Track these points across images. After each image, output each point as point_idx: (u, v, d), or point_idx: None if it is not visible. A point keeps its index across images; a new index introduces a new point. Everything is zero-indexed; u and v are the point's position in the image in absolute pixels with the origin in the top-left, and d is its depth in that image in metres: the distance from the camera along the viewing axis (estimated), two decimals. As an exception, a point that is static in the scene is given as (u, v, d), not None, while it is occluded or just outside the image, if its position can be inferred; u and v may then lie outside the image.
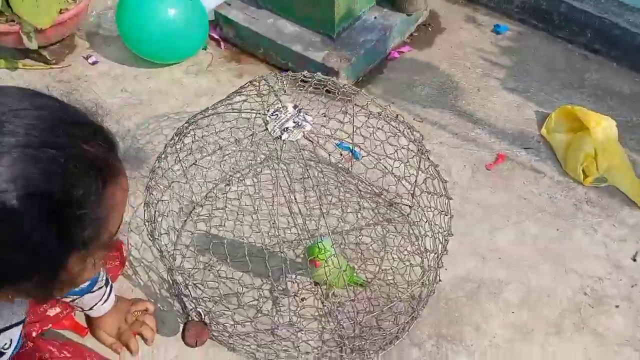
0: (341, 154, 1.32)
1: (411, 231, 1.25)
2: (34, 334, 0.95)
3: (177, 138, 0.98)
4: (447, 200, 1.02)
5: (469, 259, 1.21)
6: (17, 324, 0.69)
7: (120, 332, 1.04)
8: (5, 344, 0.68)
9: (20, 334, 0.70)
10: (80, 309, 0.99)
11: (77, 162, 0.50)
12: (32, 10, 1.41)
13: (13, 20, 1.44)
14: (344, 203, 1.28)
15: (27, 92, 0.55)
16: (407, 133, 1.04)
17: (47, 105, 0.53)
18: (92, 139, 0.53)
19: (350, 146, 1.31)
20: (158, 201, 0.96)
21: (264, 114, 0.87)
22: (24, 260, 0.49)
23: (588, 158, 1.33)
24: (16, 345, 0.70)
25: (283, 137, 0.84)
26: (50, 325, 1.03)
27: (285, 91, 1.06)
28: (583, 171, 1.33)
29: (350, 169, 1.35)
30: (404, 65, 1.64)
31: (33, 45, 1.46)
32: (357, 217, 1.26)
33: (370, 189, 1.33)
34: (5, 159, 0.46)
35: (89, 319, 1.04)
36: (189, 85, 1.57)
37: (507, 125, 1.48)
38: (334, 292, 1.12)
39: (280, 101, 0.89)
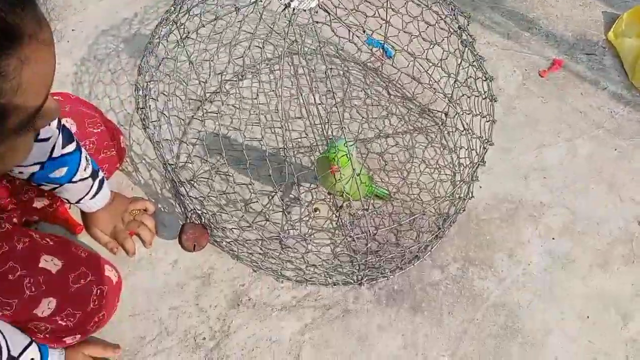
0: (371, 51, 1.14)
1: (444, 142, 1.10)
2: (14, 220, 0.87)
3: (174, 14, 0.82)
4: (490, 103, 0.86)
5: (509, 177, 1.06)
6: None
7: (116, 230, 0.96)
8: None
9: None
10: (67, 202, 0.90)
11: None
12: None
13: None
14: (369, 107, 1.13)
15: None
16: (449, 20, 0.86)
17: None
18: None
19: (382, 42, 1.14)
20: (148, 82, 0.83)
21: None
22: None
23: (663, 68, 1.13)
24: None
25: (292, 5, 0.68)
26: (36, 217, 0.95)
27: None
28: (655, 84, 1.14)
29: (380, 69, 1.19)
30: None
31: None
32: (383, 123, 1.11)
33: (401, 92, 1.17)
34: None
35: (83, 215, 0.95)
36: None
37: (568, 26, 1.26)
38: (350, 204, 1.00)
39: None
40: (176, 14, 0.80)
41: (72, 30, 1.26)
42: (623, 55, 1.20)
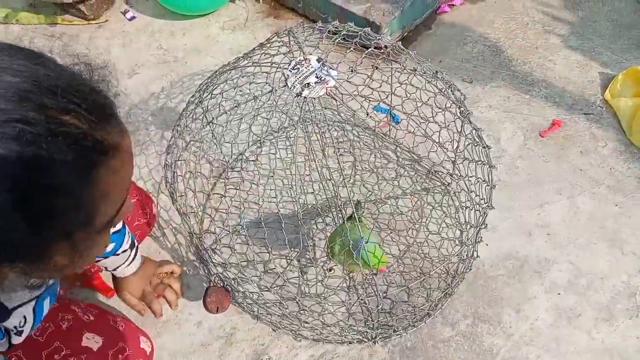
0: (370, 116, 1.23)
1: (451, 202, 1.16)
2: (61, 292, 0.95)
3: (199, 95, 0.92)
4: (488, 168, 0.93)
5: (514, 235, 1.12)
6: (30, 301, 0.67)
7: (144, 293, 1.03)
8: (20, 321, 0.66)
9: (38, 312, 0.69)
10: (105, 269, 0.98)
11: (51, 139, 0.41)
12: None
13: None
14: (379, 170, 1.21)
15: (12, 51, 0.46)
16: (448, 93, 0.94)
17: (26, 69, 0.44)
18: (75, 110, 0.44)
19: (389, 109, 1.23)
20: (176, 161, 0.92)
21: (285, 68, 0.80)
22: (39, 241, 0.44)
23: (658, 126, 1.19)
24: (34, 321, 0.68)
25: (304, 94, 0.77)
26: (78, 283, 1.03)
27: (315, 44, 0.98)
28: (651, 141, 1.19)
29: (388, 133, 1.27)
30: (455, 20, 1.51)
31: (68, -1, 1.43)
32: (393, 185, 1.19)
33: (409, 155, 1.24)
34: None
35: (115, 279, 1.03)
36: (225, 42, 1.51)
37: (566, 87, 1.33)
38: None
39: (303, 53, 0.82)
40: (200, 103, 0.90)
41: (106, 105, 1.38)
42: (620, 114, 1.26)
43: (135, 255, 0.99)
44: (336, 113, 1.30)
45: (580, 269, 1.06)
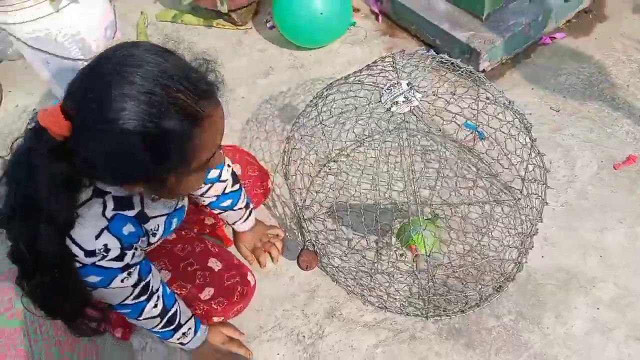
0: (460, 128, 1.42)
1: (517, 215, 1.33)
2: (195, 230, 1.28)
3: (315, 100, 1.19)
4: (544, 187, 1.09)
5: (571, 252, 1.26)
6: (162, 215, 0.98)
7: (255, 247, 1.34)
8: (155, 227, 0.98)
9: (167, 225, 1.00)
10: (226, 223, 1.30)
11: (172, 107, 0.71)
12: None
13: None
14: (459, 178, 1.40)
15: (151, 48, 0.76)
16: (518, 122, 1.11)
17: (160, 60, 0.73)
18: (188, 90, 0.73)
19: (476, 126, 1.41)
20: (292, 149, 1.20)
21: (382, 88, 1.04)
22: (132, 170, 0.76)
23: None
24: (163, 232, 1.00)
25: (392, 109, 0.99)
26: (208, 231, 1.36)
27: (418, 68, 1.20)
28: None
29: (473, 147, 1.45)
30: (554, 52, 1.63)
31: (224, 9, 1.79)
32: (469, 193, 1.37)
33: (488, 169, 1.42)
34: (123, 98, 0.70)
35: (234, 233, 1.35)
36: (344, 55, 1.78)
37: (650, 126, 1.42)
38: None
39: (398, 77, 1.04)
40: (315, 106, 1.17)
41: (242, 97, 1.71)
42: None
43: (249, 215, 1.29)
44: (428, 126, 1.51)
45: (624, 290, 1.18)
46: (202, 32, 2.00)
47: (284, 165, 1.23)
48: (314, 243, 1.22)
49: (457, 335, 1.18)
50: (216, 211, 1.25)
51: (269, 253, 1.34)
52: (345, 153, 1.50)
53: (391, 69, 1.08)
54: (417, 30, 1.74)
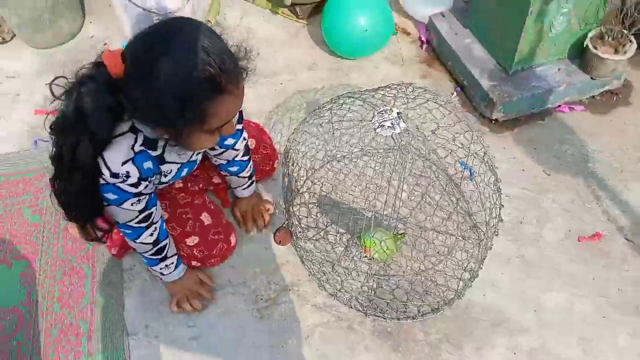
0: (455, 169, 1.56)
1: (477, 253, 1.47)
2: (200, 184, 1.49)
3: (317, 110, 1.36)
4: (493, 234, 1.23)
5: (511, 299, 1.39)
6: (176, 163, 1.19)
7: (246, 213, 1.54)
8: (169, 170, 1.19)
9: (178, 171, 1.22)
10: (229, 186, 1.51)
11: (201, 77, 0.91)
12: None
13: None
14: (438, 207, 1.55)
15: (201, 27, 0.95)
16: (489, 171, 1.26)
17: (204, 38, 0.92)
18: (218, 67, 0.92)
19: (471, 167, 1.56)
20: (299, 142, 1.38)
21: (376, 109, 1.20)
22: (160, 117, 0.97)
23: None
24: (174, 176, 1.22)
25: (377, 130, 1.16)
26: (212, 188, 1.56)
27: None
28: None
29: (460, 184, 1.59)
30: (567, 121, 1.74)
31: (287, 1, 1.97)
32: (442, 222, 1.52)
33: (466, 207, 1.56)
34: (167, 61, 0.91)
35: (233, 197, 1.55)
36: (382, 71, 1.94)
37: (625, 211, 1.52)
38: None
39: (393, 104, 1.21)
40: (329, 110, 1.34)
41: (281, 84, 1.91)
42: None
43: (250, 185, 1.50)
44: (428, 153, 1.66)
45: (544, 347, 1.31)
46: (267, 16, 2.20)
47: (288, 152, 1.41)
48: (292, 224, 1.40)
49: (388, 337, 1.34)
50: (223, 173, 1.46)
51: (256, 222, 1.54)
52: (350, 158, 1.68)
53: (392, 96, 1.25)
54: (451, 67, 1.88)
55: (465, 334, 1.34)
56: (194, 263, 1.42)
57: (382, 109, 1.20)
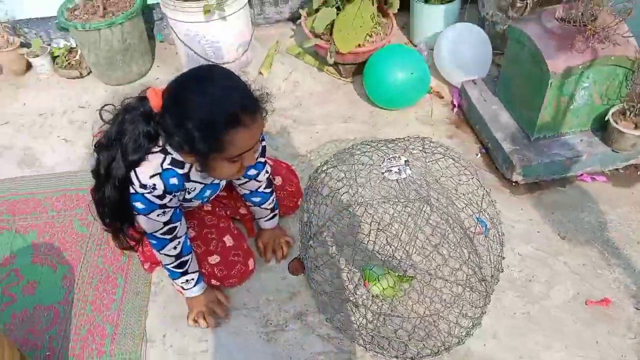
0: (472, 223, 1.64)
1: (482, 306, 1.51)
2: (228, 212, 1.64)
3: (332, 159, 1.49)
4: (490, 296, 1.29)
5: (509, 352, 1.41)
6: (200, 183, 1.34)
7: (267, 244, 1.66)
8: (193, 188, 1.34)
9: (201, 191, 1.37)
10: (253, 217, 1.64)
11: (222, 112, 1.10)
12: (342, 38, 2.10)
13: (329, 40, 2.17)
14: (450, 258, 1.61)
15: (227, 73, 1.16)
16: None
17: (228, 82, 1.14)
18: (237, 104, 1.11)
19: (485, 222, 1.63)
20: (319, 183, 1.51)
21: (387, 156, 1.32)
22: (186, 144, 1.13)
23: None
24: (197, 195, 1.37)
25: (384, 174, 1.27)
26: (238, 217, 1.71)
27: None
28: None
29: (473, 237, 1.66)
30: (588, 190, 1.79)
31: (331, 61, 2.17)
32: (452, 272, 1.58)
33: (477, 261, 1.62)
34: (194, 100, 1.10)
35: (258, 229, 1.69)
36: (412, 127, 2.07)
37: (637, 281, 1.53)
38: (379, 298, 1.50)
39: (404, 153, 1.32)
40: (351, 156, 1.47)
41: (317, 132, 2.07)
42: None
43: (272, 218, 1.63)
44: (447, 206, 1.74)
45: (540, 402, 1.32)
46: (313, 72, 2.40)
47: (308, 191, 1.54)
48: (305, 257, 1.51)
49: (385, 375, 1.40)
50: (248, 203, 1.60)
51: (275, 253, 1.65)
52: (371, 204, 1.78)
53: (403, 147, 1.37)
54: (478, 130, 1.99)
55: (461, 381, 1.37)
56: (213, 282, 1.54)
57: (391, 156, 1.32)
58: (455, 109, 2.13)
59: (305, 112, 2.20)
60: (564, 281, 1.56)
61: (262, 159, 1.49)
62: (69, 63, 2.45)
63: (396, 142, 1.47)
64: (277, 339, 1.48)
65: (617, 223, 1.69)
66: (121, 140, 1.20)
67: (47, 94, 2.39)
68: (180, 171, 1.26)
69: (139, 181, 1.22)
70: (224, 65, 1.95)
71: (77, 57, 2.45)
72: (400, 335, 1.46)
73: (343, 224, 1.73)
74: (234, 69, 2.24)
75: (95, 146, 1.26)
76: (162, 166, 1.23)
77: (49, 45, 2.52)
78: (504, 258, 1.32)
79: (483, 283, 1.55)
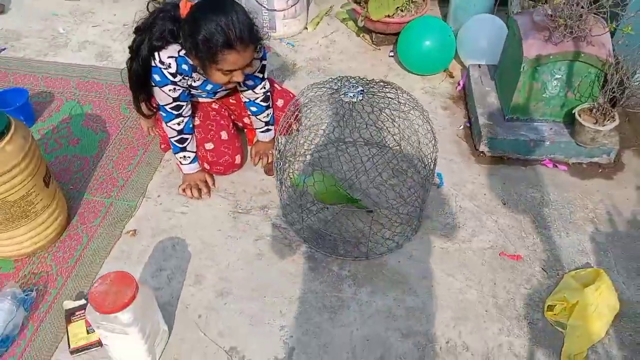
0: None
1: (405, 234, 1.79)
2: (232, 116, 2.02)
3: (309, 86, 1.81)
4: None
5: (418, 270, 1.68)
6: (203, 76, 1.69)
7: (258, 152, 2.03)
8: (198, 78, 1.73)
9: (204, 83, 1.75)
10: (251, 126, 2.02)
11: (223, 34, 1.46)
12: (374, 7, 2.41)
13: (364, 7, 2.48)
14: (398, 198, 1.89)
15: (236, 5, 1.52)
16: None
17: (238, 10, 1.51)
18: (237, 31, 1.47)
19: (442, 176, 1.90)
20: (294, 112, 1.84)
21: (348, 84, 1.62)
22: (193, 49, 1.53)
23: None
24: (200, 85, 1.75)
25: (341, 97, 1.58)
26: (241, 125, 2.08)
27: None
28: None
29: (428, 191, 1.92)
30: (545, 173, 1.98)
31: (360, 24, 2.49)
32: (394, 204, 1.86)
33: (419, 203, 1.88)
34: (208, 18, 1.48)
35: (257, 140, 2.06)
36: (415, 93, 2.34)
37: (555, 252, 1.73)
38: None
39: (365, 85, 1.62)
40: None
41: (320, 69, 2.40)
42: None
43: (267, 131, 1.99)
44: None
45: (424, 309, 1.58)
46: (351, 36, 2.73)
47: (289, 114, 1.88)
48: (278, 167, 1.86)
49: (312, 260, 1.71)
50: (249, 112, 1.97)
51: (262, 160, 2.02)
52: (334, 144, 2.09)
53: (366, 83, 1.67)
54: (470, 106, 2.22)
55: (366, 279, 1.66)
56: (205, 165, 1.93)
57: (352, 84, 1.63)
58: (459, 88, 2.37)
59: (331, 64, 2.54)
60: (487, 234, 1.79)
61: (260, 75, 1.85)
62: (157, -9, 2.94)
63: (368, 81, 1.77)
64: (240, 218, 1.84)
65: (559, 204, 1.88)
66: (152, 30, 1.60)
67: (135, 10, 2.89)
68: (190, 61, 1.65)
69: (159, 58, 1.62)
70: (272, 12, 2.35)
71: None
72: (334, 237, 1.77)
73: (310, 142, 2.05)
74: (278, 18, 2.63)
75: (134, 30, 1.68)
76: (178, 53, 1.63)
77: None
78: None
79: (418, 220, 1.83)
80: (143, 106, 1.82)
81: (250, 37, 1.52)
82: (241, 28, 1.49)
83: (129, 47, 1.71)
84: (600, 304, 1.50)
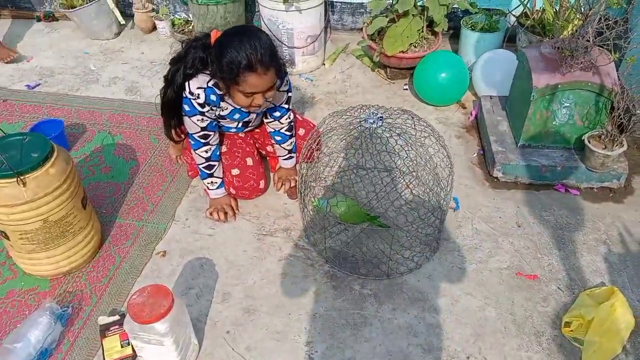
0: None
1: (425, 254, 1.85)
2: (257, 145, 2.13)
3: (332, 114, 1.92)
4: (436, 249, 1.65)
5: (436, 289, 1.74)
6: (231, 105, 1.83)
7: (280, 178, 2.13)
8: (226, 107, 1.83)
9: (231, 112, 1.86)
10: (273, 154, 2.12)
11: (246, 57, 1.57)
12: (389, 43, 2.55)
13: (378, 43, 2.62)
14: (417, 220, 1.96)
15: (259, 32, 1.64)
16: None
17: (262, 37, 1.63)
18: (259, 56, 1.58)
19: (459, 200, 1.98)
20: (315, 140, 1.95)
21: (369, 113, 1.73)
22: (219, 72, 1.64)
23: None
24: (227, 114, 1.87)
25: (362, 123, 1.69)
26: (264, 153, 2.19)
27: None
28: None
29: (445, 212, 2.00)
30: (558, 198, 2.05)
31: (375, 59, 2.62)
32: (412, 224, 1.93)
33: (437, 224, 1.96)
34: (233, 45, 1.59)
35: (279, 167, 2.16)
36: (433, 120, 2.44)
37: (570, 272, 1.78)
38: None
39: (384, 114, 1.73)
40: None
41: (338, 101, 2.52)
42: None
43: (289, 158, 2.10)
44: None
45: (440, 325, 1.63)
46: (366, 71, 2.87)
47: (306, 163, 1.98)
48: (301, 190, 1.95)
49: (334, 278, 1.78)
50: (272, 141, 2.08)
51: (284, 185, 2.11)
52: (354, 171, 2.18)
53: (382, 111, 1.78)
54: (482, 135, 2.32)
55: (387, 297, 1.72)
56: (231, 190, 2.03)
57: (371, 112, 1.73)
58: (471, 118, 2.48)
59: (348, 97, 2.66)
60: (504, 254, 1.85)
61: (286, 106, 1.97)
62: (182, 30, 3.12)
63: (386, 109, 1.88)
64: (264, 240, 1.93)
65: (572, 227, 1.94)
66: (185, 58, 1.74)
67: (161, 49, 3.08)
68: (218, 92, 1.77)
69: (189, 89, 1.74)
70: (292, 49, 2.50)
71: (191, 27, 3.12)
72: (356, 257, 1.84)
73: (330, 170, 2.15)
74: (298, 54, 2.78)
75: (170, 60, 1.82)
76: (207, 84, 1.75)
77: (173, 15, 3.22)
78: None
79: (436, 242, 1.90)
80: (173, 132, 1.94)
81: (271, 61, 1.62)
82: (262, 52, 1.60)
83: (164, 77, 1.84)
84: (615, 320, 1.55)
